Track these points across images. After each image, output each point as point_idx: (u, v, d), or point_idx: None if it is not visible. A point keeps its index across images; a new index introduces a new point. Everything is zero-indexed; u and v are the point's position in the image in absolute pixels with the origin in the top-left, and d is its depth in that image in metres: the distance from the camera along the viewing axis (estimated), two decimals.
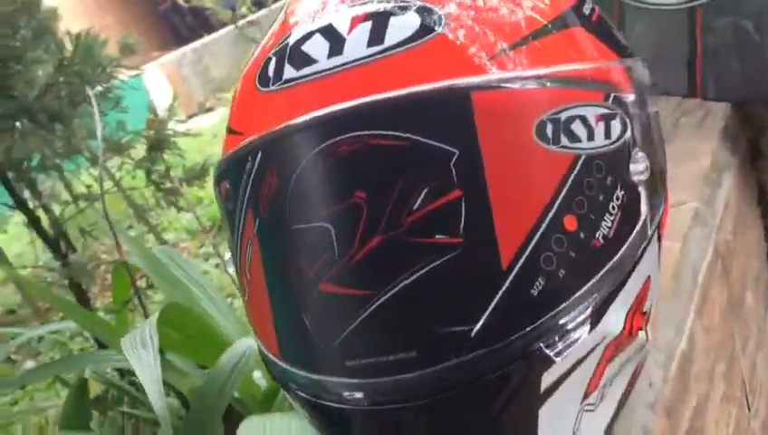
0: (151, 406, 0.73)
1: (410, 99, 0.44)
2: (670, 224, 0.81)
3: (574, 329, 0.45)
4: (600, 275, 0.46)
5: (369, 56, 0.46)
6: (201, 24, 7.15)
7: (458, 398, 0.44)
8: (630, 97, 0.50)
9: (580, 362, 0.46)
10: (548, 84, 0.46)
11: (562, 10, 0.51)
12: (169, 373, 1.00)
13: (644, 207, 0.50)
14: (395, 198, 0.44)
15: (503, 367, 0.44)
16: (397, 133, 0.44)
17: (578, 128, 0.46)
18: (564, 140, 0.45)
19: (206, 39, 6.97)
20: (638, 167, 0.49)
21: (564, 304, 0.45)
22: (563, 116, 0.46)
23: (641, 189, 0.50)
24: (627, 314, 0.49)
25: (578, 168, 0.46)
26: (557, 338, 0.45)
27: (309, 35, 0.48)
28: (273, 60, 0.49)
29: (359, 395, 0.45)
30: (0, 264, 1.56)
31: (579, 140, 0.46)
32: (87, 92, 1.25)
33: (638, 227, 0.49)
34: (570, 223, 0.45)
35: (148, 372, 0.71)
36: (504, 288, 0.43)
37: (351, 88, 0.45)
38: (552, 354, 0.44)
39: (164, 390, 0.77)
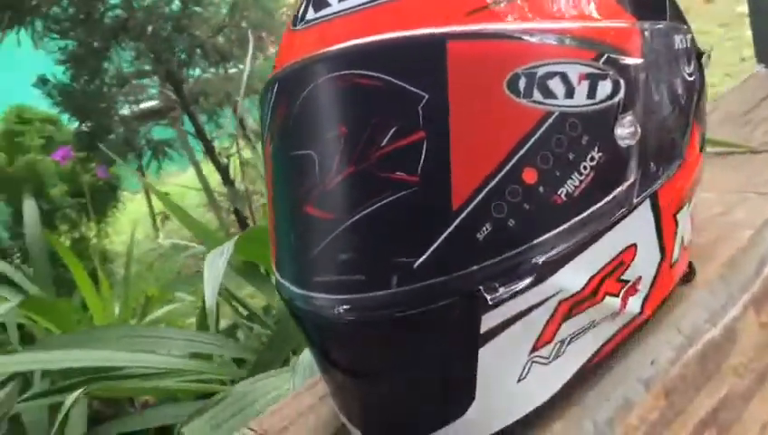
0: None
1: (391, 43, 0.48)
2: (747, 210, 0.77)
3: (517, 279, 0.46)
4: (556, 231, 0.47)
5: (367, 3, 0.49)
6: None
7: (402, 323, 0.47)
8: (634, 60, 0.50)
9: (526, 311, 0.47)
10: (528, 39, 0.47)
11: None
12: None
13: (631, 174, 0.50)
14: (368, 133, 0.48)
15: (439, 301, 0.46)
16: (377, 75, 0.47)
17: (555, 84, 0.47)
18: (537, 95, 0.46)
19: None
20: (625, 131, 0.49)
21: (510, 253, 0.46)
22: (540, 71, 0.46)
23: (629, 154, 0.49)
24: (592, 276, 0.49)
25: (548, 123, 0.47)
26: (497, 284, 0.46)
27: None
28: (304, 2, 0.54)
29: (323, 308, 0.50)
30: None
31: (554, 97, 0.47)
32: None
33: (616, 192, 0.49)
34: (529, 176, 0.46)
35: (212, 273, 0.80)
36: (450, 228, 0.46)
37: (350, 30, 0.49)
38: (489, 298, 0.46)
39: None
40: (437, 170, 0.46)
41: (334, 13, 0.51)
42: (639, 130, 0.50)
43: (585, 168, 0.48)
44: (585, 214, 0.48)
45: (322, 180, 0.49)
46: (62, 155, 1.99)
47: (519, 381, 0.49)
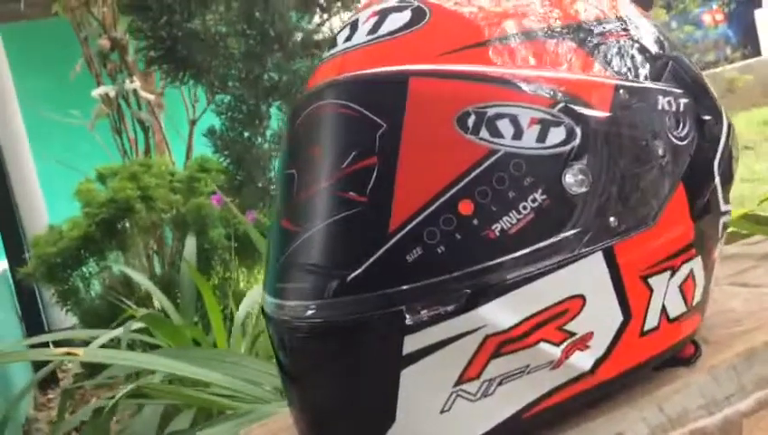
0: None
1: (366, 78, 0.53)
2: None
3: (440, 305, 0.48)
4: (485, 264, 0.48)
5: (364, 42, 0.55)
6: None
7: (332, 333, 0.50)
8: (597, 113, 0.50)
9: (450, 340, 0.48)
10: (485, 81, 0.50)
11: (552, 24, 0.53)
12: None
13: (579, 222, 0.50)
14: (334, 155, 0.52)
15: (364, 315, 0.49)
16: (351, 104, 0.52)
17: (504, 125, 0.49)
18: (484, 133, 0.49)
19: None
20: (574, 179, 0.49)
21: (436, 279, 0.48)
22: (491, 111, 0.49)
23: (578, 203, 0.50)
24: (526, 318, 0.49)
25: (491, 160, 0.49)
26: (420, 307, 0.48)
27: (346, 25, 0.59)
28: (337, 35, 0.61)
29: (277, 313, 0.54)
30: None
31: (501, 136, 0.49)
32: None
33: (559, 237, 0.49)
34: (465, 207, 0.48)
35: None
36: (384, 247, 0.49)
37: (343, 65, 0.56)
38: (409, 319, 0.48)
39: None
40: (382, 194, 0.50)
41: (338, 51, 0.57)
42: (591, 179, 0.50)
43: (525, 208, 0.49)
44: (519, 253, 0.49)
45: (295, 196, 0.54)
46: (217, 200, 2.21)
47: (442, 412, 0.50)
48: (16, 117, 3.14)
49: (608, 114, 0.51)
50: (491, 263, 0.48)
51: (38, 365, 2.38)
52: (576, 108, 0.50)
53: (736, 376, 0.61)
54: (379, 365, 0.50)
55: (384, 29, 0.55)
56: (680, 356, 0.60)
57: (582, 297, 0.51)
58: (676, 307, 0.56)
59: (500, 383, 0.50)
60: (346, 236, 0.51)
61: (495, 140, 0.49)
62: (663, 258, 0.54)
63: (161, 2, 1.86)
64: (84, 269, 2.31)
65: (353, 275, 0.49)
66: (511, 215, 0.49)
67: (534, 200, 0.49)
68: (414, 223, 0.49)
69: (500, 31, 0.52)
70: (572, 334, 0.51)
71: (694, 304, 0.58)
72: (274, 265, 0.55)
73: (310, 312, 0.51)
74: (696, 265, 0.57)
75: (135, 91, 3.11)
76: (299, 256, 0.52)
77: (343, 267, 0.50)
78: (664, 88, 0.55)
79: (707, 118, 0.57)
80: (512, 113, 0.49)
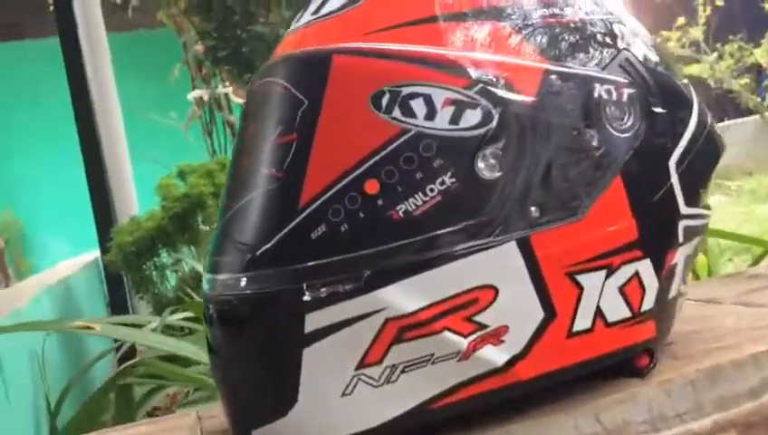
0: None
1: (296, 56, 0.53)
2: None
3: (340, 284, 0.47)
4: (387, 245, 0.47)
5: (306, 22, 0.55)
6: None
7: (240, 308, 0.50)
8: (520, 97, 0.48)
9: (351, 321, 0.47)
10: (400, 60, 0.49)
11: (485, 5, 0.51)
12: None
13: (491, 209, 0.48)
14: (264, 131, 0.53)
15: (268, 290, 0.48)
16: (280, 81, 0.53)
17: (418, 105, 0.48)
18: (397, 112, 0.48)
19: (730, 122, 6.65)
20: (487, 164, 0.47)
21: (337, 257, 0.47)
22: (405, 90, 0.48)
23: (492, 189, 0.47)
24: (431, 304, 0.47)
25: (401, 140, 0.47)
26: (320, 285, 0.47)
27: (307, 6, 0.59)
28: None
29: (208, 287, 0.54)
30: None
31: (413, 116, 0.48)
32: None
33: (467, 223, 0.47)
34: (371, 186, 0.47)
35: None
36: (292, 224, 0.48)
37: (285, 45, 0.56)
38: (309, 297, 0.47)
39: None
40: (297, 170, 0.49)
41: (296, 28, 0.57)
42: (506, 165, 0.48)
43: (432, 190, 0.47)
44: (423, 236, 0.47)
45: (234, 171, 0.55)
46: None
47: (343, 395, 0.49)
48: (117, 119, 3.31)
49: (533, 99, 0.49)
50: (393, 245, 0.47)
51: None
52: (496, 90, 0.48)
53: (693, 393, 0.56)
54: (282, 343, 0.49)
55: (325, 9, 0.55)
56: (633, 366, 0.57)
57: (494, 288, 0.48)
58: (616, 311, 0.53)
59: (403, 371, 0.48)
60: (262, 212, 0.51)
61: (407, 119, 0.48)
62: (595, 255, 0.51)
63: (223, 2, 1.92)
64: (158, 260, 2.41)
65: (262, 249, 0.49)
66: (417, 196, 0.47)
67: (443, 183, 0.47)
68: (321, 200, 0.48)
69: (429, 10, 0.51)
70: (483, 326, 0.49)
71: (642, 310, 0.54)
72: (214, 239, 0.56)
73: (228, 285, 0.51)
74: (644, 267, 0.53)
75: (226, 95, 3.24)
76: (227, 230, 0.53)
77: (257, 242, 0.50)
78: (603, 76, 0.51)
79: (659, 111, 0.53)
80: (426, 93, 0.48)
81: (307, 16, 0.56)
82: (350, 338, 0.48)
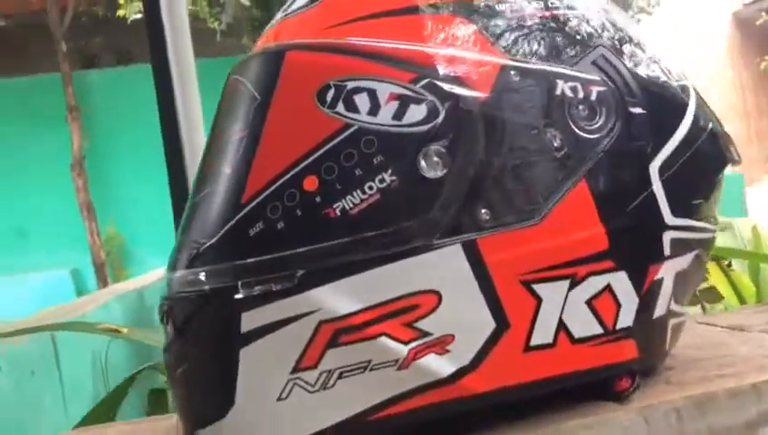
0: None
1: (256, 54, 0.52)
2: None
3: (273, 283, 0.45)
4: (322, 244, 0.45)
5: (277, 21, 0.55)
6: None
7: (183, 305, 0.49)
8: (470, 92, 0.46)
9: (285, 322, 0.46)
10: (346, 54, 0.47)
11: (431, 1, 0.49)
12: None
13: (433, 209, 0.45)
14: (223, 128, 0.52)
15: (209, 286, 0.47)
16: (240, 78, 0.52)
17: (361, 100, 0.46)
18: (340, 107, 0.46)
19: None
20: (430, 162, 0.45)
21: (273, 255, 0.46)
22: (350, 85, 0.46)
23: (435, 188, 0.45)
24: (367, 308, 0.45)
25: (343, 136, 0.46)
26: (255, 283, 0.46)
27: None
28: None
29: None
30: None
31: (356, 111, 0.46)
32: None
33: (407, 223, 0.45)
34: (310, 183, 0.46)
35: None
36: (234, 220, 0.47)
37: (259, 43, 0.56)
38: (243, 295, 0.46)
39: None
40: (244, 166, 0.49)
41: (270, 26, 0.57)
42: (451, 164, 0.45)
43: (371, 188, 0.45)
44: (359, 236, 0.45)
45: (199, 169, 0.55)
46: None
47: (279, 399, 0.47)
48: (201, 137, 3.45)
49: (488, 95, 0.46)
50: (328, 244, 0.45)
51: None
52: (444, 85, 0.46)
53: (678, 423, 0.51)
54: (220, 342, 0.48)
55: (294, 6, 0.54)
56: (612, 390, 0.52)
57: (437, 293, 0.45)
58: (583, 327, 0.49)
59: (340, 377, 0.46)
60: (212, 208, 0.50)
61: (350, 114, 0.46)
62: (555, 264, 0.47)
63: None
64: None
65: (206, 246, 0.48)
66: (355, 194, 0.45)
67: (383, 181, 0.45)
68: (261, 197, 0.47)
69: (385, 5, 0.49)
70: (425, 334, 0.46)
71: (618, 327, 0.50)
72: (177, 236, 0.55)
73: (178, 283, 0.50)
74: (618, 280, 0.49)
75: None
76: (184, 226, 0.52)
77: (200, 238, 0.49)
78: (569, 73, 0.48)
79: (638, 112, 0.49)
80: (371, 88, 0.46)
81: (279, 15, 0.55)
82: (285, 340, 0.46)
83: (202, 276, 0.48)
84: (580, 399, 0.52)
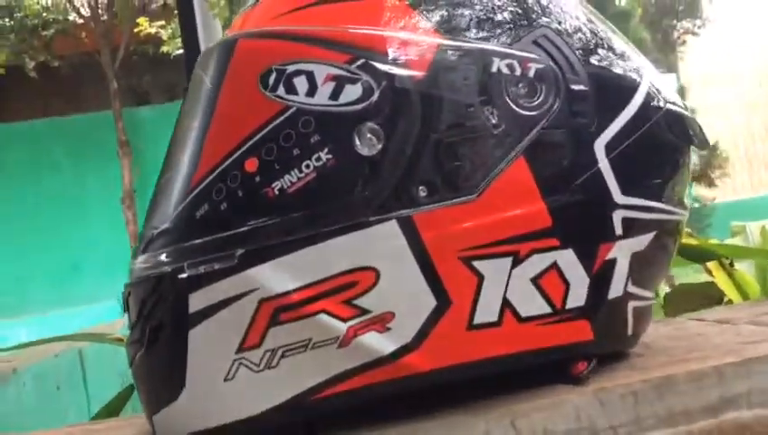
0: None
1: (215, 45, 0.54)
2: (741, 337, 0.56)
3: (216, 262, 0.46)
4: (260, 223, 0.46)
5: (245, 9, 0.57)
6: None
7: (139, 291, 0.51)
8: (406, 72, 0.47)
9: (229, 301, 0.47)
10: (287, 39, 0.49)
11: None
12: None
13: (369, 186, 0.46)
14: (183, 117, 0.54)
15: (159, 268, 0.49)
16: (199, 70, 0.54)
17: (300, 82, 0.47)
18: (281, 90, 0.48)
19: None
20: (363, 140, 0.46)
21: (216, 236, 0.47)
22: (290, 68, 0.48)
23: (371, 165, 0.46)
24: (306, 285, 0.46)
25: (283, 117, 0.47)
26: (200, 264, 0.47)
27: None
28: None
29: None
30: None
31: (295, 93, 0.47)
32: None
33: (342, 201, 0.46)
34: (251, 164, 0.47)
35: None
36: (184, 203, 0.49)
37: (228, 31, 0.57)
38: (188, 276, 0.47)
39: None
40: (196, 151, 0.50)
41: (239, 14, 0.59)
42: (386, 141, 0.46)
43: (308, 166, 0.46)
44: (296, 214, 0.46)
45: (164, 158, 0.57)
46: None
47: (226, 380, 0.47)
48: None
49: (424, 74, 0.47)
50: (266, 222, 0.46)
51: None
52: (380, 65, 0.47)
53: (635, 405, 0.50)
54: (171, 325, 0.49)
55: (252, 2, 0.56)
56: (567, 372, 0.51)
57: (374, 270, 0.46)
58: (530, 305, 0.48)
59: (283, 356, 0.47)
60: (166, 194, 0.51)
61: (289, 96, 0.47)
62: (495, 240, 0.47)
63: None
64: None
65: (159, 230, 0.50)
66: (292, 173, 0.46)
67: (319, 159, 0.46)
68: (208, 180, 0.48)
69: None
70: (365, 311, 0.46)
71: (568, 307, 0.49)
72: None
73: (136, 269, 0.52)
74: (565, 259, 0.49)
75: None
76: (147, 214, 0.54)
77: (157, 222, 0.51)
78: (506, 51, 0.48)
79: (580, 89, 0.49)
80: (309, 70, 0.47)
81: (246, 5, 0.57)
82: (229, 319, 0.47)
83: (154, 260, 0.50)
84: (538, 382, 0.52)
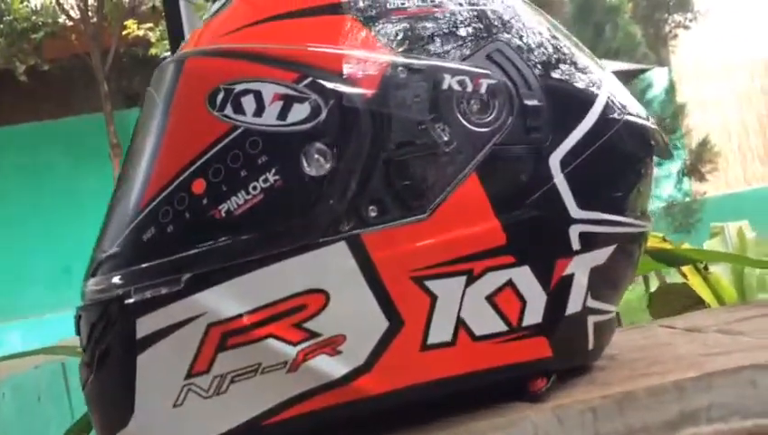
0: None
1: (165, 63, 0.53)
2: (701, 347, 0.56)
3: (162, 287, 0.46)
4: (207, 246, 0.46)
5: (203, 22, 0.56)
6: None
7: (89, 314, 0.50)
8: (355, 90, 0.46)
9: (176, 326, 0.46)
10: (235, 57, 0.48)
11: (323, 3, 0.49)
12: None
13: (317, 207, 0.45)
14: (136, 137, 0.53)
15: (107, 293, 0.48)
16: (151, 89, 0.53)
17: (248, 101, 0.47)
18: (228, 110, 0.47)
19: None
20: (313, 160, 0.45)
21: (163, 259, 0.46)
22: (238, 87, 0.47)
23: (319, 186, 0.45)
24: (255, 309, 0.45)
25: (230, 138, 0.47)
26: (146, 289, 0.46)
27: None
28: None
29: None
30: None
31: (243, 113, 0.47)
32: None
33: (290, 223, 0.46)
34: (198, 186, 0.47)
35: None
36: (132, 226, 0.48)
37: (184, 46, 0.56)
38: (134, 301, 0.46)
39: None
40: (147, 172, 0.49)
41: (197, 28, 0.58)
42: (334, 161, 0.45)
43: (255, 188, 0.45)
44: (243, 236, 0.45)
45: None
46: None
47: (175, 406, 0.47)
48: None
49: (374, 92, 0.46)
50: (213, 245, 0.45)
51: None
52: (328, 84, 0.46)
53: (594, 422, 0.49)
54: (119, 350, 0.48)
55: (210, 12, 0.55)
56: (526, 389, 0.51)
57: (324, 293, 0.45)
58: (485, 324, 0.48)
59: (233, 381, 0.46)
60: (116, 216, 0.51)
61: (237, 116, 0.46)
62: (448, 260, 0.46)
63: None
64: None
65: (108, 253, 0.49)
66: (239, 195, 0.45)
67: (266, 181, 0.45)
68: (155, 202, 0.48)
69: (278, 8, 0.50)
70: (315, 335, 0.45)
71: (525, 325, 0.49)
72: None
73: (86, 292, 0.51)
74: (520, 276, 0.48)
75: None
76: (98, 236, 0.53)
77: (106, 246, 0.50)
78: (457, 67, 0.47)
79: (534, 104, 0.48)
80: (257, 89, 0.46)
81: (203, 19, 0.57)
82: (177, 345, 0.46)
83: (104, 284, 0.49)
84: (496, 399, 0.51)
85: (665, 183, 4.43)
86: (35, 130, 6.77)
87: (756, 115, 8.84)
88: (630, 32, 4.95)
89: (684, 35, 7.54)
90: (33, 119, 6.82)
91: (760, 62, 8.77)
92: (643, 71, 4.57)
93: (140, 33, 6.08)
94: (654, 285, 2.16)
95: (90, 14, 6.56)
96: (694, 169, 4.37)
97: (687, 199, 4.49)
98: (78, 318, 0.52)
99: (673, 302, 1.21)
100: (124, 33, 6.18)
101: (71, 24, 6.61)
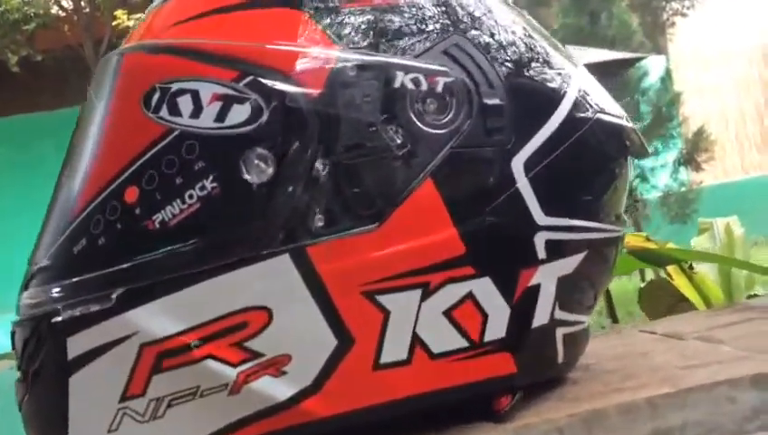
0: None
1: (103, 59, 0.50)
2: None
3: (91, 304, 0.43)
4: (138, 260, 0.43)
5: (150, 11, 0.52)
6: None
7: (21, 331, 0.47)
8: (300, 90, 0.42)
9: (108, 346, 0.43)
10: (175, 54, 0.45)
11: None
12: None
13: (257, 217, 0.42)
14: (74, 139, 0.50)
15: (34, 312, 0.45)
16: (90, 88, 0.50)
17: (184, 102, 0.43)
18: (164, 111, 0.44)
19: None
20: (254, 165, 0.42)
21: (91, 275, 0.43)
22: (174, 87, 0.44)
23: (260, 194, 0.42)
24: (186, 329, 0.42)
25: (165, 142, 0.44)
26: (76, 306, 0.43)
27: None
28: None
29: None
30: None
31: (179, 115, 0.43)
32: None
33: (227, 235, 0.43)
34: (131, 194, 0.43)
35: None
36: (64, 235, 0.45)
37: (132, 35, 0.53)
38: (63, 319, 0.43)
39: None
40: (81, 179, 0.46)
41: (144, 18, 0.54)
42: (276, 167, 0.42)
43: (191, 196, 0.42)
44: (178, 250, 0.42)
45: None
46: None
47: (110, 431, 0.44)
48: None
49: (320, 91, 0.43)
50: (146, 259, 0.42)
51: None
52: (269, 82, 0.42)
53: None
54: (51, 370, 0.45)
55: (152, 5, 0.51)
56: (488, 408, 0.48)
57: (266, 310, 0.42)
58: (443, 340, 0.44)
59: (170, 405, 0.43)
60: (48, 226, 0.47)
61: (173, 118, 0.43)
62: (401, 272, 0.43)
63: None
64: None
65: (38, 266, 0.46)
66: (174, 204, 0.42)
67: (203, 188, 0.42)
68: (86, 211, 0.44)
69: (221, 1, 0.46)
70: (257, 355, 0.42)
71: (487, 340, 0.45)
72: None
73: (21, 307, 0.48)
74: (481, 288, 0.45)
75: None
76: (34, 247, 0.50)
77: (38, 259, 0.47)
78: (410, 64, 0.44)
79: (495, 103, 0.45)
80: (194, 89, 0.43)
81: (150, 8, 0.53)
82: (111, 366, 0.43)
83: (36, 299, 0.46)
84: (462, 419, 0.48)
85: (660, 173, 4.39)
86: (30, 122, 6.72)
87: (754, 103, 8.79)
88: (626, 20, 4.88)
89: (681, 23, 7.48)
90: (28, 110, 6.76)
91: (758, 49, 8.70)
92: (639, 59, 4.51)
93: (130, 23, 6.01)
94: (650, 277, 2.13)
95: (82, 3, 6.49)
96: (690, 159, 4.33)
97: (684, 189, 4.45)
98: (13, 333, 0.48)
99: (661, 298, 1.17)
100: (114, 23, 6.12)
101: (63, 14, 6.54)
